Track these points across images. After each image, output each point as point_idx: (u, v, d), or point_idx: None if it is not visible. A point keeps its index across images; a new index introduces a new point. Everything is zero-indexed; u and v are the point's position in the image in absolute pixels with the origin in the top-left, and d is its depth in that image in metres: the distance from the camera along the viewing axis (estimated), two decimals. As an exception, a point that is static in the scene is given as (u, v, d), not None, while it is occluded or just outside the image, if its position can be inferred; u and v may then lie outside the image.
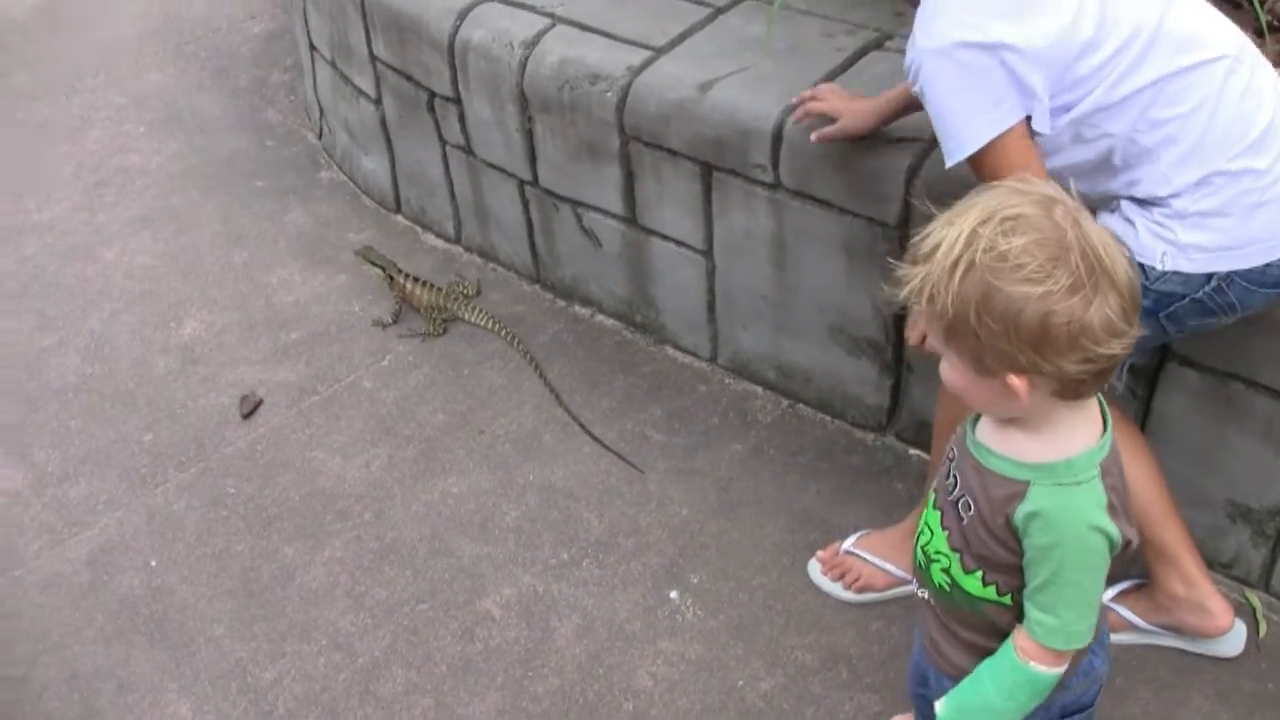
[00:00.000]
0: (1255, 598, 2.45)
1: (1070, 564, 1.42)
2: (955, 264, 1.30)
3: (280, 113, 4.31)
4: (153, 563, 2.69)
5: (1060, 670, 1.51)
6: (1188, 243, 1.86)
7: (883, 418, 2.80)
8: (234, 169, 4.00)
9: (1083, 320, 1.30)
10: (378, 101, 3.52)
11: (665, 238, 2.94)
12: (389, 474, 2.84)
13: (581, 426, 2.90)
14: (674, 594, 2.50)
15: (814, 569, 2.50)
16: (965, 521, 1.51)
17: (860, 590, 2.46)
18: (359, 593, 2.59)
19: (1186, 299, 1.90)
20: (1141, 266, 1.86)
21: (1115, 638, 2.33)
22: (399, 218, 3.72)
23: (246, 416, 3.03)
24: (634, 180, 2.89)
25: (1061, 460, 1.42)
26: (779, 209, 2.65)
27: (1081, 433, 1.44)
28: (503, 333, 3.17)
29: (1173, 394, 2.32)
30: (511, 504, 2.74)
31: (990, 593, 1.53)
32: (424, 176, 3.51)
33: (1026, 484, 1.43)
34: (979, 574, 1.52)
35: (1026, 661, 1.49)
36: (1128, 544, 1.44)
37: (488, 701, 2.37)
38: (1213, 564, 2.45)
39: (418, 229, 3.66)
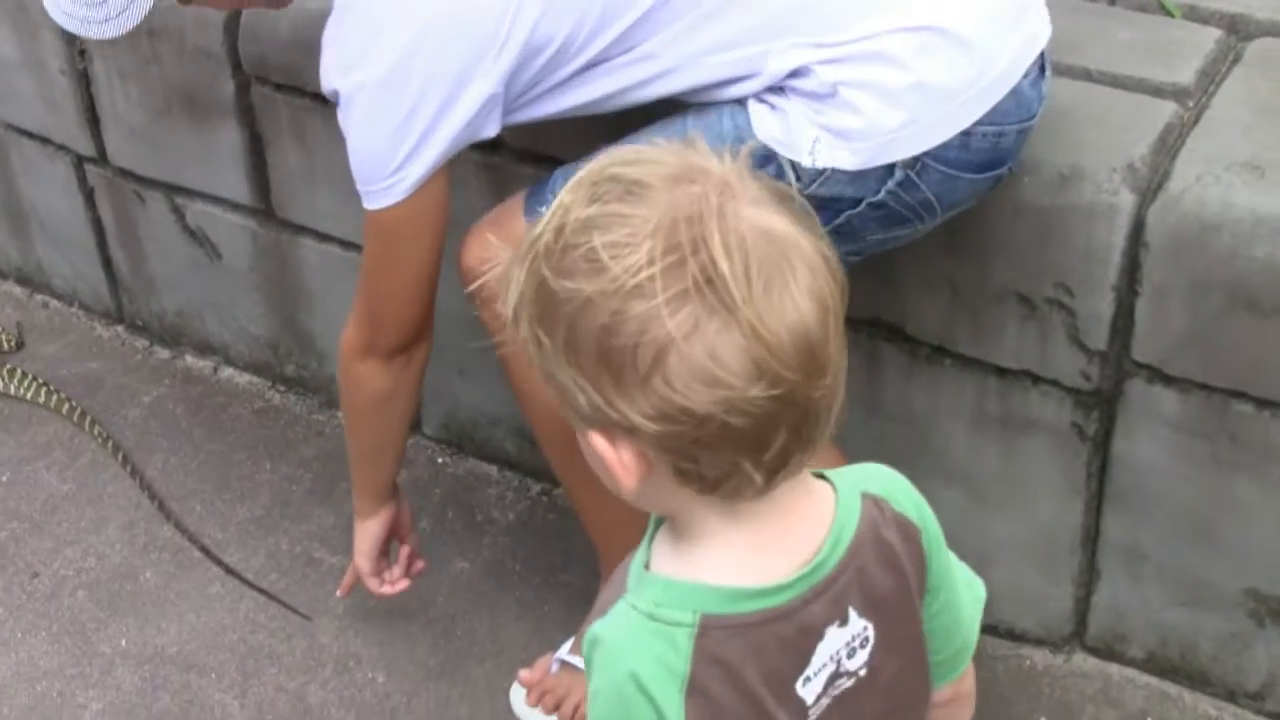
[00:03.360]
0: (1308, 748, 1.99)
1: None
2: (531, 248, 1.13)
3: None
4: None
5: None
6: (845, 127, 1.72)
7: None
8: None
9: (669, 342, 1.07)
10: None
11: (322, 237, 2.57)
12: (-127, 661, 2.35)
13: (205, 552, 2.46)
14: (373, 818, 2.23)
15: (517, 698, 2.26)
16: None
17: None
18: None
19: (862, 204, 1.76)
20: (795, 167, 1.79)
21: None
22: None
23: None
24: (264, 146, 2.53)
25: (661, 577, 1.19)
26: (502, 178, 2.24)
27: (741, 557, 1.18)
28: (65, 408, 2.71)
29: (1143, 429, 1.99)
30: (92, 690, 2.29)
31: None
32: (-99, 159, 3.05)
33: (620, 596, 1.26)
34: None
35: None
36: None
37: None
38: (1234, 693, 2.05)
39: (-98, 248, 3.19)
